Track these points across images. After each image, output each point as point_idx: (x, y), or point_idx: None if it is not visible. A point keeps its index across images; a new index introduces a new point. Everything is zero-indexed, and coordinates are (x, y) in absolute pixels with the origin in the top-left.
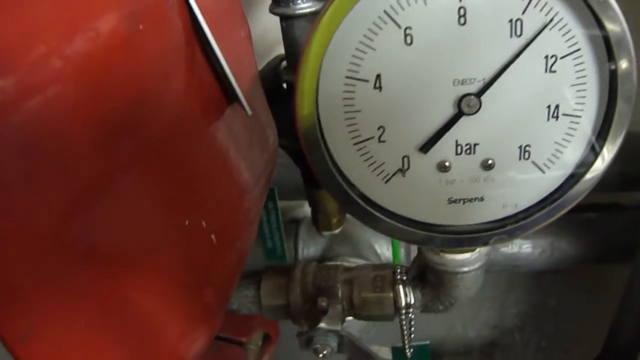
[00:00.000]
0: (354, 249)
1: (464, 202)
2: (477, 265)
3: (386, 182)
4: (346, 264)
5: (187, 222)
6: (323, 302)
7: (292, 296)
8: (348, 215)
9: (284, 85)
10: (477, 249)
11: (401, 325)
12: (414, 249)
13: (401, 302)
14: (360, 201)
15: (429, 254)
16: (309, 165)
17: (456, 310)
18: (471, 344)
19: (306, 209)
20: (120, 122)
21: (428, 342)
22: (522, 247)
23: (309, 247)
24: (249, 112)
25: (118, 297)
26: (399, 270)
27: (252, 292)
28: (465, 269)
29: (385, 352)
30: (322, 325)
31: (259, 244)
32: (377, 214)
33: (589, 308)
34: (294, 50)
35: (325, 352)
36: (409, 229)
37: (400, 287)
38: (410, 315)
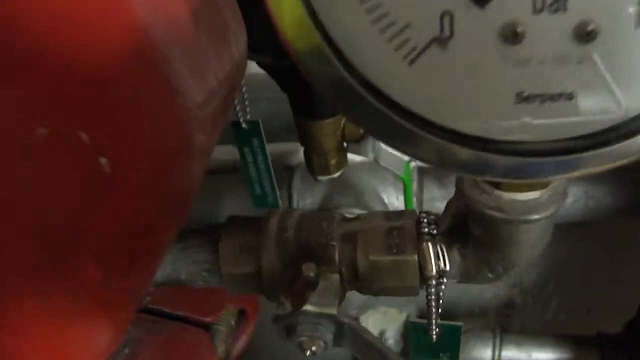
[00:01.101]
0: (358, 199)
1: (542, 101)
2: (550, 211)
3: (411, 62)
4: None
5: (41, 131)
6: (310, 271)
7: (266, 260)
8: (350, 157)
9: None
10: (551, 184)
11: (428, 301)
12: (428, 198)
13: (431, 269)
14: (366, 94)
15: (474, 192)
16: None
17: None
18: (487, 304)
19: (300, 155)
20: None
21: (461, 324)
22: None
23: (305, 198)
24: None
25: None
26: (426, 220)
27: (207, 257)
28: (534, 216)
29: (393, 315)
30: (309, 306)
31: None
32: (395, 118)
33: (616, 266)
34: None
35: (314, 347)
36: (448, 145)
37: (430, 245)
38: (442, 287)
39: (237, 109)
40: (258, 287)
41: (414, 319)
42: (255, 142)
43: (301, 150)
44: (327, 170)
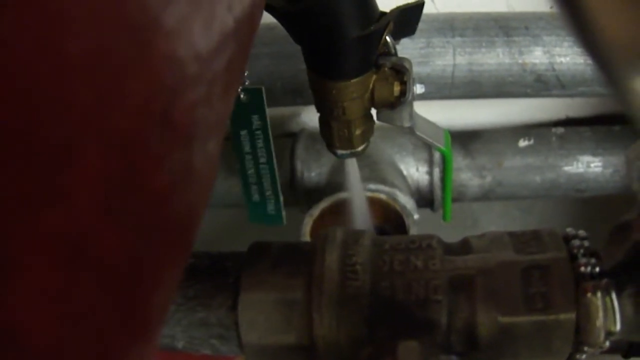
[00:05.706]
0: (373, 171)
1: None
2: None
3: None
4: (379, 196)
5: None
6: (410, 348)
7: (322, 327)
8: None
9: None
10: None
11: None
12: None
13: (598, 333)
14: None
15: None
16: None
17: None
18: None
19: (303, 118)
20: None
21: None
22: (590, 166)
23: (310, 171)
24: None
25: None
26: (582, 252)
27: (219, 315)
28: None
29: None
30: None
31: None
32: None
33: None
34: None
35: None
36: None
37: (599, 295)
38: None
39: None
40: None
41: None
42: (255, 120)
43: (303, 113)
44: (350, 144)
